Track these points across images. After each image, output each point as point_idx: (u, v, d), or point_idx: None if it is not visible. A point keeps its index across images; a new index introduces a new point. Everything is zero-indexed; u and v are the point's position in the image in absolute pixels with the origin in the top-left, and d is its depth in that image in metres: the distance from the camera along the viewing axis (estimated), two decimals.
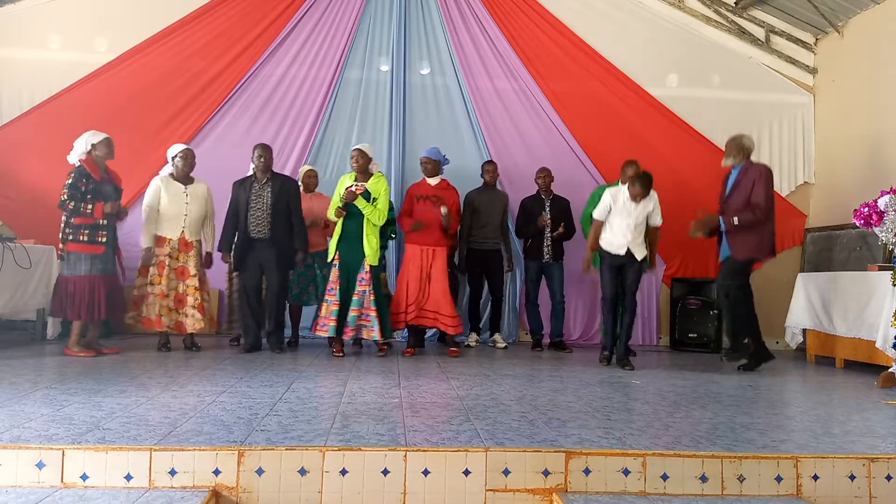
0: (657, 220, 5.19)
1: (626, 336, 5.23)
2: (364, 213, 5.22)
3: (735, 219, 5.02)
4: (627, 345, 5.26)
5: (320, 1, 6.99)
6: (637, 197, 5.06)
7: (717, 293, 5.61)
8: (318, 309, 5.41)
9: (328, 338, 5.44)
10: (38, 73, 6.62)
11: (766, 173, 5.12)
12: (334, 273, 5.26)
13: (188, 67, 6.78)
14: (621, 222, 5.11)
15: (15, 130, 6.55)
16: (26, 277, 5.35)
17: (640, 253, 5.14)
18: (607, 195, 5.20)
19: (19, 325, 6.24)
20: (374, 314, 5.23)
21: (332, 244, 5.35)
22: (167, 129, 6.68)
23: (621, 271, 5.18)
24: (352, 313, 5.21)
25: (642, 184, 5.03)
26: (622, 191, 5.17)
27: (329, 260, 5.35)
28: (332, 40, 6.98)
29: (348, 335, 5.26)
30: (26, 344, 5.64)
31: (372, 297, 5.24)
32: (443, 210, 5.44)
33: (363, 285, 5.24)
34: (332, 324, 5.20)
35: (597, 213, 5.25)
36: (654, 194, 5.18)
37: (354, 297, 5.22)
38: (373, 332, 5.25)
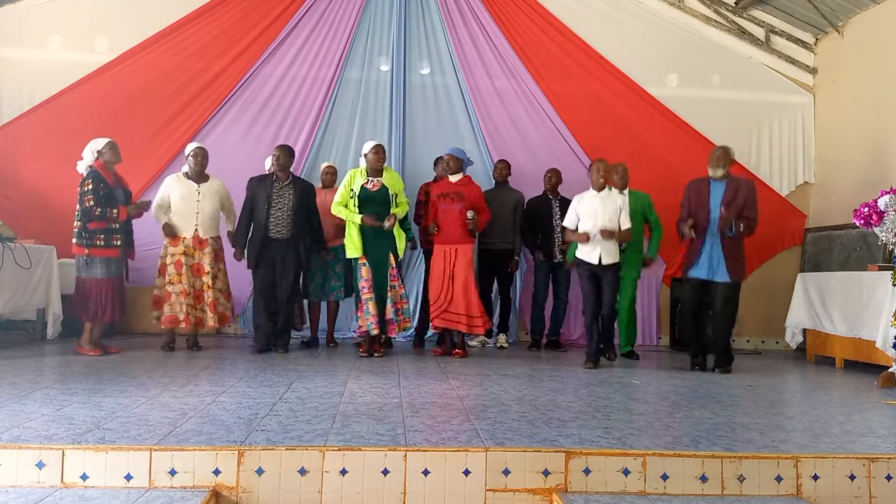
0: (625, 223, 5.06)
1: (607, 336, 5.20)
2: (398, 212, 5.33)
3: (741, 224, 4.90)
4: (608, 339, 5.24)
5: (320, 1, 6.99)
6: (598, 184, 5.03)
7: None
8: (358, 309, 5.35)
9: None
10: (38, 73, 6.61)
11: (755, 188, 5.10)
12: (366, 271, 5.23)
13: (188, 67, 6.77)
14: (588, 223, 5.01)
15: (15, 130, 6.54)
16: (26, 277, 5.35)
17: (611, 258, 5.00)
18: (574, 202, 5.18)
19: (19, 325, 6.24)
20: (405, 306, 5.39)
21: (352, 242, 5.27)
22: (167, 129, 6.68)
23: (598, 281, 5.06)
24: (393, 308, 5.29)
25: (599, 169, 5.03)
26: (586, 194, 5.15)
27: (354, 257, 5.29)
28: (332, 40, 6.97)
29: (394, 333, 5.35)
30: (26, 344, 5.64)
31: (402, 291, 5.38)
32: (469, 214, 5.41)
33: (394, 280, 5.31)
34: (376, 320, 5.22)
35: (566, 221, 5.20)
36: (621, 197, 5.14)
37: (389, 294, 5.28)
38: (408, 323, 5.43)
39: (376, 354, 5.33)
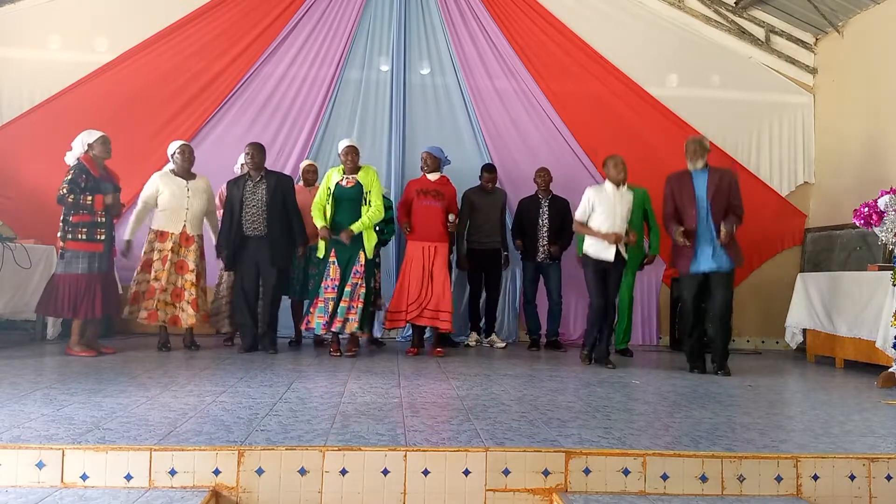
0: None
1: (608, 336, 5.20)
2: (365, 220, 5.21)
3: (734, 227, 4.83)
4: (609, 344, 5.23)
5: (320, 1, 6.99)
6: (619, 180, 5.03)
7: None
8: (311, 305, 5.32)
9: (320, 336, 5.43)
10: (38, 73, 6.61)
11: (737, 176, 5.06)
12: (335, 270, 5.23)
13: (188, 67, 6.78)
14: (606, 221, 5.00)
15: (15, 130, 6.54)
16: (26, 277, 5.35)
17: (624, 252, 5.07)
18: (588, 193, 5.13)
19: (19, 325, 6.24)
20: (360, 306, 5.21)
21: (321, 243, 5.29)
22: (167, 129, 6.67)
23: (606, 275, 5.07)
24: (342, 304, 5.19)
25: (618, 164, 5.04)
26: (604, 187, 5.13)
27: (322, 256, 5.29)
28: (332, 40, 6.98)
29: (335, 326, 5.20)
30: (26, 344, 5.64)
31: (362, 290, 5.23)
32: (450, 217, 5.44)
33: (356, 278, 5.22)
34: (328, 321, 5.18)
35: (578, 214, 5.15)
36: (629, 192, 5.15)
37: (346, 289, 5.21)
38: (354, 325, 5.20)
39: (349, 354, 5.27)
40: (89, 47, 6.75)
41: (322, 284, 5.25)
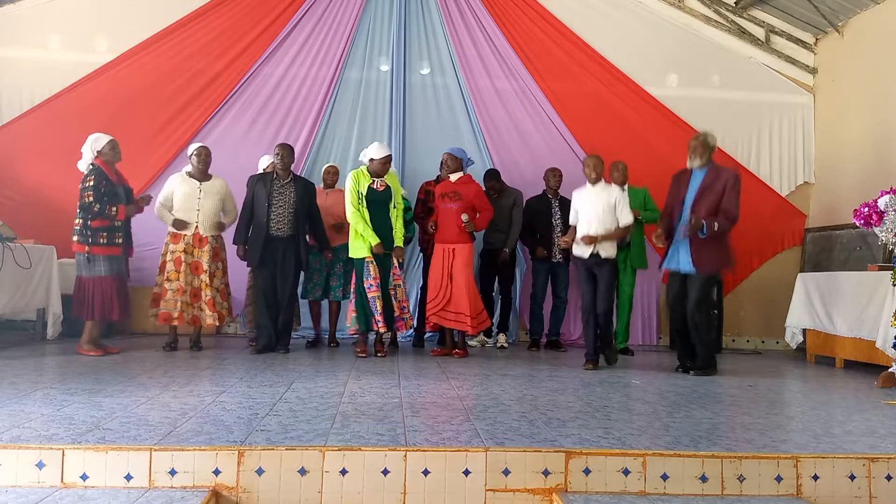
0: (625, 219, 4.99)
1: (605, 333, 5.15)
2: (402, 231, 5.42)
3: (716, 224, 4.60)
4: (607, 340, 5.19)
5: (320, 1, 6.99)
6: (591, 178, 5.02)
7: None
8: (365, 307, 5.30)
9: (356, 336, 5.46)
10: (38, 73, 6.61)
11: (737, 179, 4.75)
12: (374, 269, 5.22)
13: (188, 67, 6.78)
14: (585, 220, 5.02)
15: (15, 130, 6.54)
16: (26, 277, 5.35)
17: (605, 252, 4.97)
18: (573, 197, 5.18)
19: (19, 325, 6.24)
20: (408, 304, 5.50)
21: (363, 242, 5.21)
22: (167, 129, 6.69)
23: (594, 275, 5.04)
24: (397, 306, 5.33)
25: (589, 164, 5.02)
26: (583, 188, 5.14)
27: (361, 256, 5.24)
28: (332, 40, 6.98)
29: (403, 329, 5.48)
30: (26, 344, 5.64)
31: (403, 290, 5.43)
32: (463, 217, 5.40)
33: (397, 279, 5.35)
34: (383, 318, 5.24)
35: (570, 219, 5.21)
36: (617, 189, 5.10)
37: (390, 292, 5.31)
38: (412, 321, 5.55)
39: (379, 354, 5.34)
40: (89, 47, 6.74)
41: (364, 284, 5.23)
